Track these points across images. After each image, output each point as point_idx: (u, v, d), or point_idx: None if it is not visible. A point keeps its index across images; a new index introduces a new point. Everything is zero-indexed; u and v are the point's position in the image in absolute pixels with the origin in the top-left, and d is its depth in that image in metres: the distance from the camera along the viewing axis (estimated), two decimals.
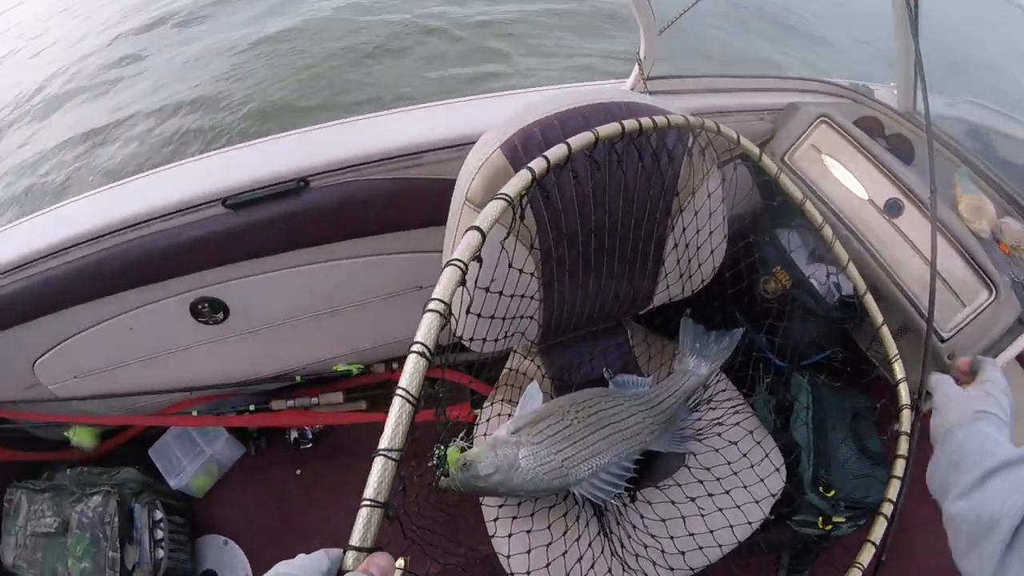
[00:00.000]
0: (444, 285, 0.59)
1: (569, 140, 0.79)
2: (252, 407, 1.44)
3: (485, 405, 1.24)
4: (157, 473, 1.54)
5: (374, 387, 1.45)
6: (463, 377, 1.46)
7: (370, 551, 0.46)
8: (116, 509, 1.49)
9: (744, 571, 1.30)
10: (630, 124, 0.85)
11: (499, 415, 1.21)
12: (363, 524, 0.46)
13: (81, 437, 1.50)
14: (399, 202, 1.25)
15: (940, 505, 0.64)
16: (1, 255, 1.31)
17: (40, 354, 1.45)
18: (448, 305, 0.58)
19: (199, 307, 1.31)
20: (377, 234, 1.27)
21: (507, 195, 0.70)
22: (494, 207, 0.68)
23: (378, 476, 0.47)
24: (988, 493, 0.55)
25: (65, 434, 1.52)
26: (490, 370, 1.32)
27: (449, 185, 1.26)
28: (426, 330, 0.55)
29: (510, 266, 0.95)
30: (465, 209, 0.96)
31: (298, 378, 1.49)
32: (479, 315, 0.95)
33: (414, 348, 0.54)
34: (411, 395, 0.52)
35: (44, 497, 1.58)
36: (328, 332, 1.43)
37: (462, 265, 0.62)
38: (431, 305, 0.57)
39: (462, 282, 0.61)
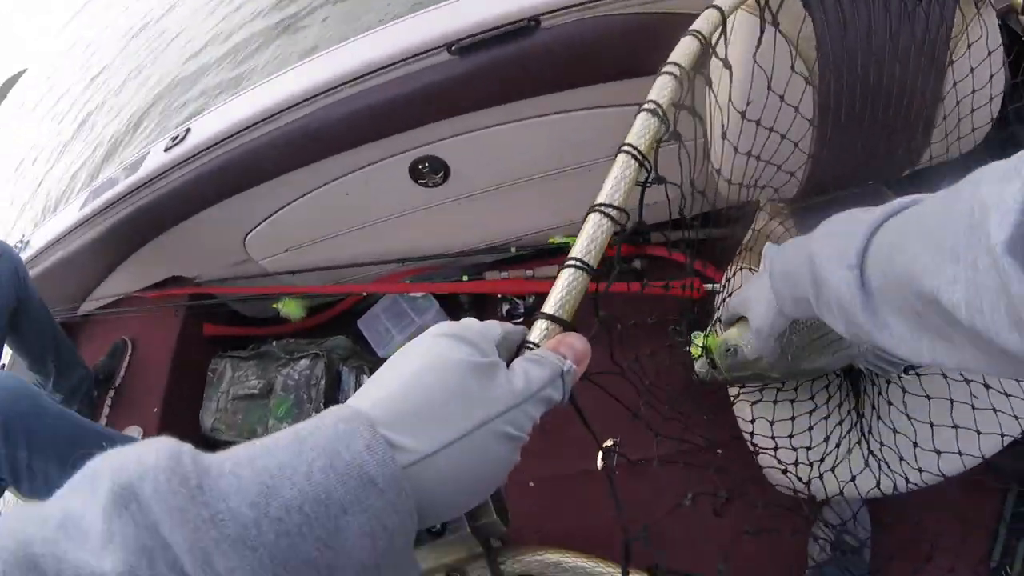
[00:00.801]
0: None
1: None
2: (465, 277, 1.41)
3: (727, 276, 1.14)
4: (366, 345, 1.56)
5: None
6: (683, 257, 1.36)
7: (566, 326, 0.35)
8: (324, 371, 1.52)
9: (965, 500, 1.18)
10: None
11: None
12: (563, 288, 0.35)
13: (290, 308, 1.54)
14: (638, 41, 1.11)
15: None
16: (213, 127, 1.31)
17: (252, 228, 1.48)
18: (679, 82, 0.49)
19: (420, 167, 1.26)
20: (613, 80, 1.15)
21: None
22: None
23: (590, 233, 0.37)
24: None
25: (274, 306, 1.57)
26: (714, 251, 1.21)
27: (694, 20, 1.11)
28: (659, 90, 0.47)
29: (769, 88, 0.82)
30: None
31: (513, 250, 1.44)
32: (736, 149, 0.84)
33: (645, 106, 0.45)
34: (638, 151, 0.41)
35: (249, 364, 1.64)
36: (548, 199, 1.35)
37: (701, 36, 0.52)
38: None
39: (698, 64, 0.52)
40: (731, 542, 1.22)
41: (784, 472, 0.96)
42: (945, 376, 0.98)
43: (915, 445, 0.93)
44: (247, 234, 1.48)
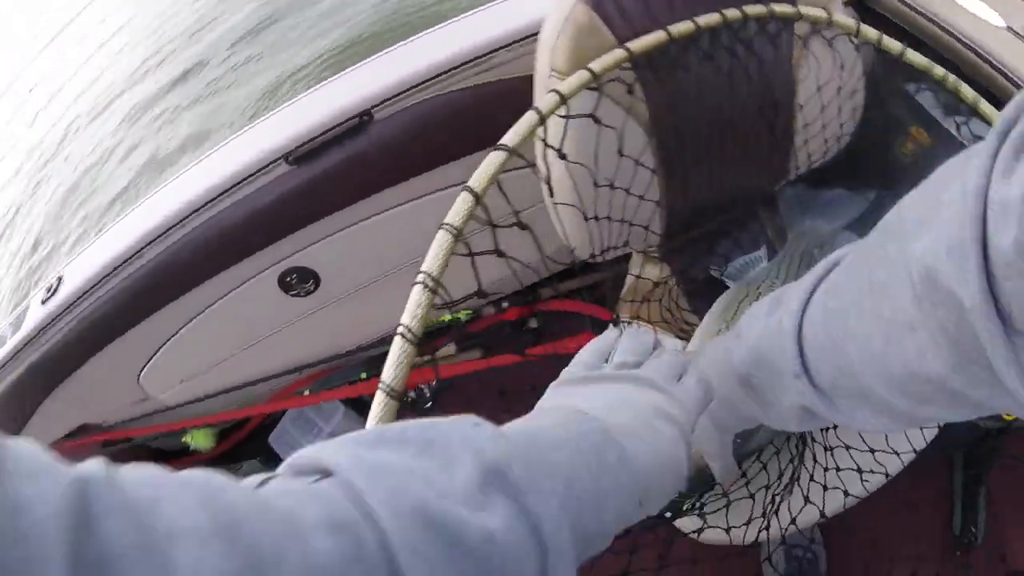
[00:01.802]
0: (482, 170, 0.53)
1: (630, 44, 0.68)
2: (364, 374, 1.36)
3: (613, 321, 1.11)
4: (279, 461, 1.49)
5: (487, 332, 1.35)
6: (576, 305, 1.33)
7: None
8: None
9: (915, 485, 1.13)
10: (716, 17, 0.74)
11: None
12: (376, 415, 0.45)
13: (199, 440, 1.48)
14: (479, 113, 1.10)
15: None
16: (83, 273, 1.27)
17: (142, 366, 1.42)
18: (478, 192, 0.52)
19: (288, 279, 1.22)
20: (460, 157, 1.13)
21: (562, 92, 0.61)
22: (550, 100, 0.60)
23: (395, 357, 0.46)
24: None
25: (183, 440, 1.50)
26: (598, 290, 1.19)
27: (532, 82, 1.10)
28: (456, 211, 0.51)
29: (621, 154, 0.81)
30: (552, 82, 0.82)
31: None
32: (577, 218, 0.83)
33: (441, 233, 0.50)
34: (411, 331, 0.46)
35: None
36: None
37: (474, 193, 0.53)
38: (469, 187, 0.52)
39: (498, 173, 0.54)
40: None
41: (727, 531, 0.92)
42: None
43: (851, 454, 0.90)
44: (139, 373, 1.42)
